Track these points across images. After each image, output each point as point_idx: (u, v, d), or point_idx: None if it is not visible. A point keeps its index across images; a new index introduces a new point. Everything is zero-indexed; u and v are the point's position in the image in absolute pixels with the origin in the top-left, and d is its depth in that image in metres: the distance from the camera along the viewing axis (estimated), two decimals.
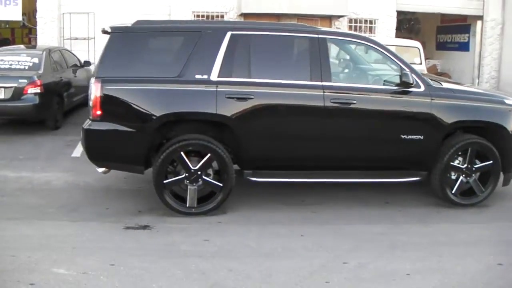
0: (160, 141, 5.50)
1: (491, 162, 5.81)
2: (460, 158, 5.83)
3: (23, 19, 14.76)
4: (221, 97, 5.31)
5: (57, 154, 7.80)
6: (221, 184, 5.40)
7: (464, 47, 17.13)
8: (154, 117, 5.26)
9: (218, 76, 5.36)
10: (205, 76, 5.34)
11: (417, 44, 11.73)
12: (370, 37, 6.27)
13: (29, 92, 8.60)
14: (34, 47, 11.54)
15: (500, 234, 5.19)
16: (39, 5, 13.67)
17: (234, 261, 4.37)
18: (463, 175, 5.82)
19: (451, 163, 5.76)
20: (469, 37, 16.86)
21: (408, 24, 19.57)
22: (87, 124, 5.40)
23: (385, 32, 15.06)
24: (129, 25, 5.52)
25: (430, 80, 5.88)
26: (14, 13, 13.46)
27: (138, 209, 5.58)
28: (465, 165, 5.80)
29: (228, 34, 5.46)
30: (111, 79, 5.28)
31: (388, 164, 5.79)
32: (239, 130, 5.39)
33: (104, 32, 5.59)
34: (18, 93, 8.58)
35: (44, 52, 9.51)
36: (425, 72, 10.30)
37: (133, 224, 5.18)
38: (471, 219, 5.59)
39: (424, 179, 5.83)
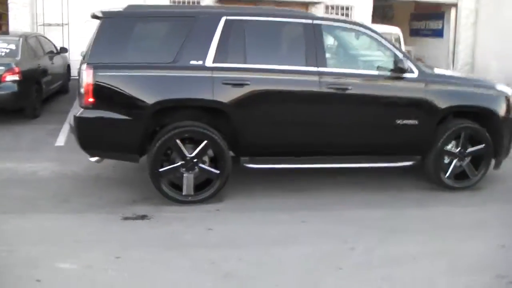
0: (153, 128, 5.37)
1: (483, 146, 5.89)
2: (453, 142, 5.89)
3: None
4: (218, 83, 5.22)
5: (40, 144, 7.55)
6: (218, 171, 5.31)
7: (438, 33, 17.32)
8: (149, 104, 5.12)
9: (213, 62, 5.25)
10: (200, 62, 5.23)
11: (397, 30, 11.80)
12: (363, 23, 6.20)
13: (7, 79, 8.28)
14: (9, 33, 11.10)
15: (497, 216, 5.27)
16: None
17: (242, 250, 4.30)
18: (456, 159, 5.89)
19: (445, 147, 5.82)
20: (443, 24, 17.05)
21: (381, 10, 19.66)
22: (78, 112, 5.20)
23: (362, 18, 15.05)
24: (121, 9, 5.34)
25: (423, 66, 5.91)
26: None
27: (132, 199, 5.45)
28: (458, 149, 5.87)
29: (223, 19, 5.36)
30: (103, 65, 5.10)
31: (383, 150, 5.81)
32: (235, 116, 5.30)
33: (94, 17, 5.39)
34: None
35: (21, 39, 9.16)
36: None
37: (130, 214, 5.05)
38: (466, 202, 5.67)
39: (418, 163, 5.87)
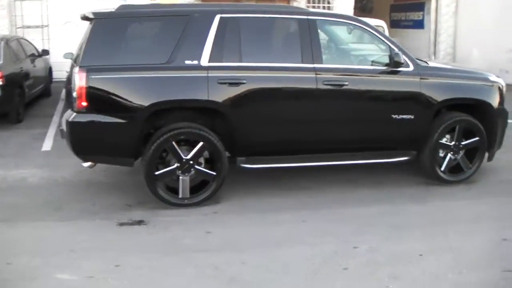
0: (148, 131, 5.25)
1: (477, 138, 5.90)
2: (447, 136, 5.89)
3: None
4: (213, 82, 5.12)
5: (27, 149, 7.36)
6: (214, 173, 5.23)
7: (418, 24, 17.38)
8: (144, 106, 5.00)
9: (209, 61, 5.16)
10: (195, 62, 5.13)
11: (382, 23, 11.83)
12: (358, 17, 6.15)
13: None
14: None
15: (494, 209, 5.27)
16: None
17: (244, 253, 4.22)
18: (451, 153, 5.88)
19: (440, 141, 5.81)
20: (423, 15, 17.11)
21: (360, 3, 19.68)
22: (71, 116, 5.05)
23: (343, 12, 15.03)
24: (113, 10, 5.21)
25: (417, 59, 5.88)
26: None
27: (127, 203, 5.33)
28: (453, 143, 5.86)
29: (217, 17, 5.26)
30: (96, 68, 4.96)
31: (380, 145, 5.77)
32: (232, 116, 5.22)
33: (84, 18, 5.25)
34: None
35: (2, 42, 8.92)
36: None
37: (126, 219, 4.94)
38: (462, 195, 5.67)
39: (414, 158, 5.86)
